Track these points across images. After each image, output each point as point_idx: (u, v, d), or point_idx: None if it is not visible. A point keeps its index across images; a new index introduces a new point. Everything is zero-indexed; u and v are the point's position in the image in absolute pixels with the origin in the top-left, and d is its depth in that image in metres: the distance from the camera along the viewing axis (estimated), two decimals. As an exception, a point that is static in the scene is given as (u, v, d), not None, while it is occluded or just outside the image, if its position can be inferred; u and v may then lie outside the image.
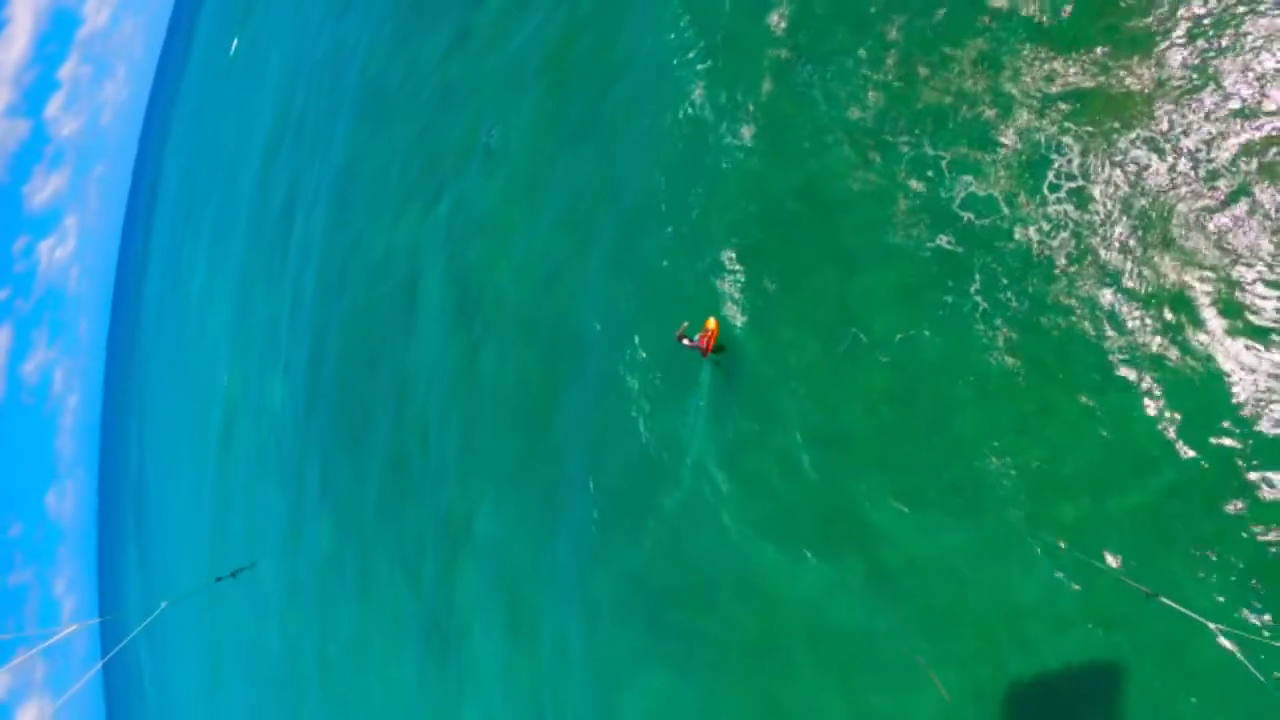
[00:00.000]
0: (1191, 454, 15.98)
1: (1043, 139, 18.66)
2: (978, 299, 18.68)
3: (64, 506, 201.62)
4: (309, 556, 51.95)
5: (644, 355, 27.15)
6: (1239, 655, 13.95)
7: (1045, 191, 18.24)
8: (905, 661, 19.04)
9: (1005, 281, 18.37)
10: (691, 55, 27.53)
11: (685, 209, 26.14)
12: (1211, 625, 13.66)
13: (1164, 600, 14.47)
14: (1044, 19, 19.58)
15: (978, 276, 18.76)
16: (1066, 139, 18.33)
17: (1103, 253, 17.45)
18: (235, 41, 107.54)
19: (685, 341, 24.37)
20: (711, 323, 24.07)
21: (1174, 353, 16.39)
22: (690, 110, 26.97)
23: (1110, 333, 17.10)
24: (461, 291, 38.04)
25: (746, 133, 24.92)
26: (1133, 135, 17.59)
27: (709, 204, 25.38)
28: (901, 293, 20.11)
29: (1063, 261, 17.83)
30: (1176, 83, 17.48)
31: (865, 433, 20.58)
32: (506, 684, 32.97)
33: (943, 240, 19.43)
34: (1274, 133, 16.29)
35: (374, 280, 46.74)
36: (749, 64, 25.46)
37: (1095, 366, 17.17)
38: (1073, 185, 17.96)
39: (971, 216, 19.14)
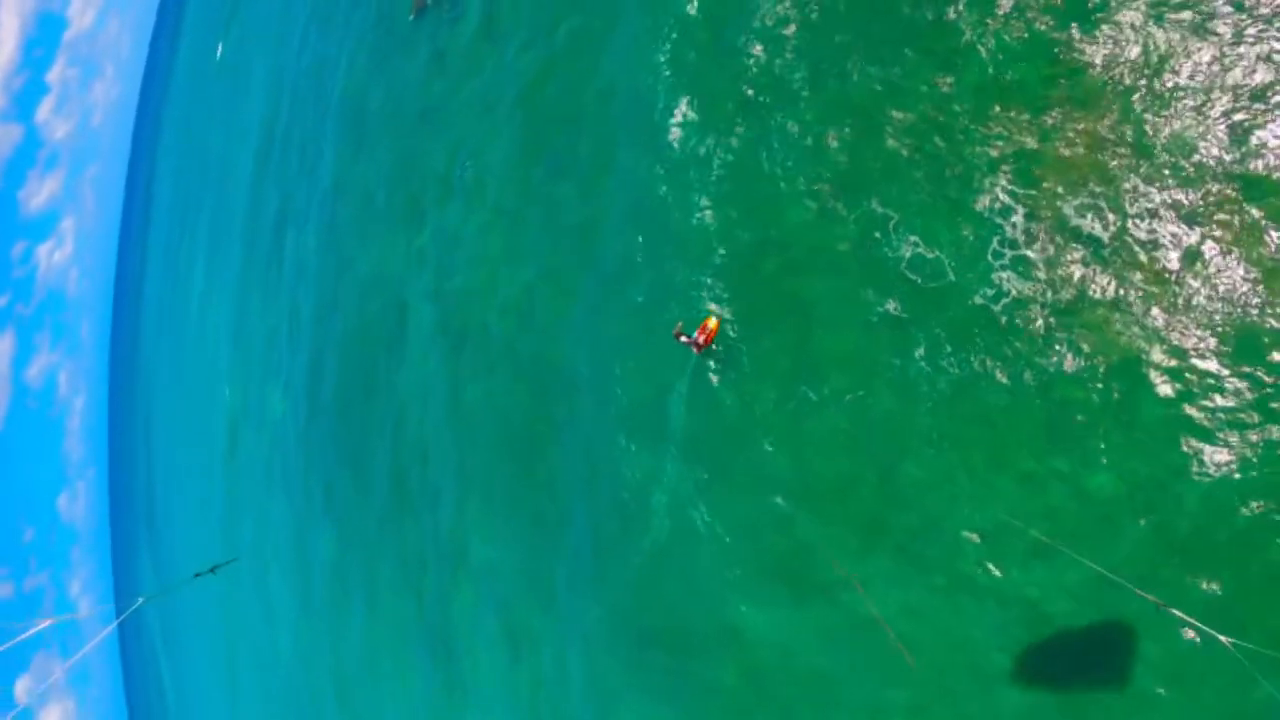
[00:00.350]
0: (1132, 519, 16.93)
1: (988, 203, 19.43)
2: (922, 363, 19.58)
3: (75, 509, 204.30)
4: (319, 566, 53.23)
5: (622, 395, 28.05)
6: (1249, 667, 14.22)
7: (989, 258, 19.02)
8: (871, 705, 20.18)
9: (949, 349, 19.31)
10: (664, 102, 28.07)
11: (658, 258, 27.10)
12: (1224, 639, 13.85)
13: (1175, 612, 14.74)
14: (994, 82, 20.20)
15: (923, 340, 19.65)
16: (1011, 202, 19.11)
17: (1043, 320, 18.31)
18: (220, 46, 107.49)
19: (683, 339, 25.05)
20: (712, 321, 24.80)
21: (1117, 420, 17.25)
22: (663, 156, 27.55)
23: (1053, 398, 17.96)
24: (447, 321, 38.97)
25: (715, 184, 25.68)
26: (1075, 202, 18.34)
27: (680, 255, 26.26)
28: (854, 353, 21.07)
29: (1005, 327, 18.67)
30: (1121, 148, 18.16)
31: (824, 484, 21.64)
32: (508, 700, 34.20)
33: (891, 305, 20.32)
34: (1216, 199, 16.96)
35: (364, 303, 47.65)
36: (717, 114, 26.16)
37: (1039, 431, 18.05)
38: (1015, 253, 18.75)
39: (919, 279, 19.97)
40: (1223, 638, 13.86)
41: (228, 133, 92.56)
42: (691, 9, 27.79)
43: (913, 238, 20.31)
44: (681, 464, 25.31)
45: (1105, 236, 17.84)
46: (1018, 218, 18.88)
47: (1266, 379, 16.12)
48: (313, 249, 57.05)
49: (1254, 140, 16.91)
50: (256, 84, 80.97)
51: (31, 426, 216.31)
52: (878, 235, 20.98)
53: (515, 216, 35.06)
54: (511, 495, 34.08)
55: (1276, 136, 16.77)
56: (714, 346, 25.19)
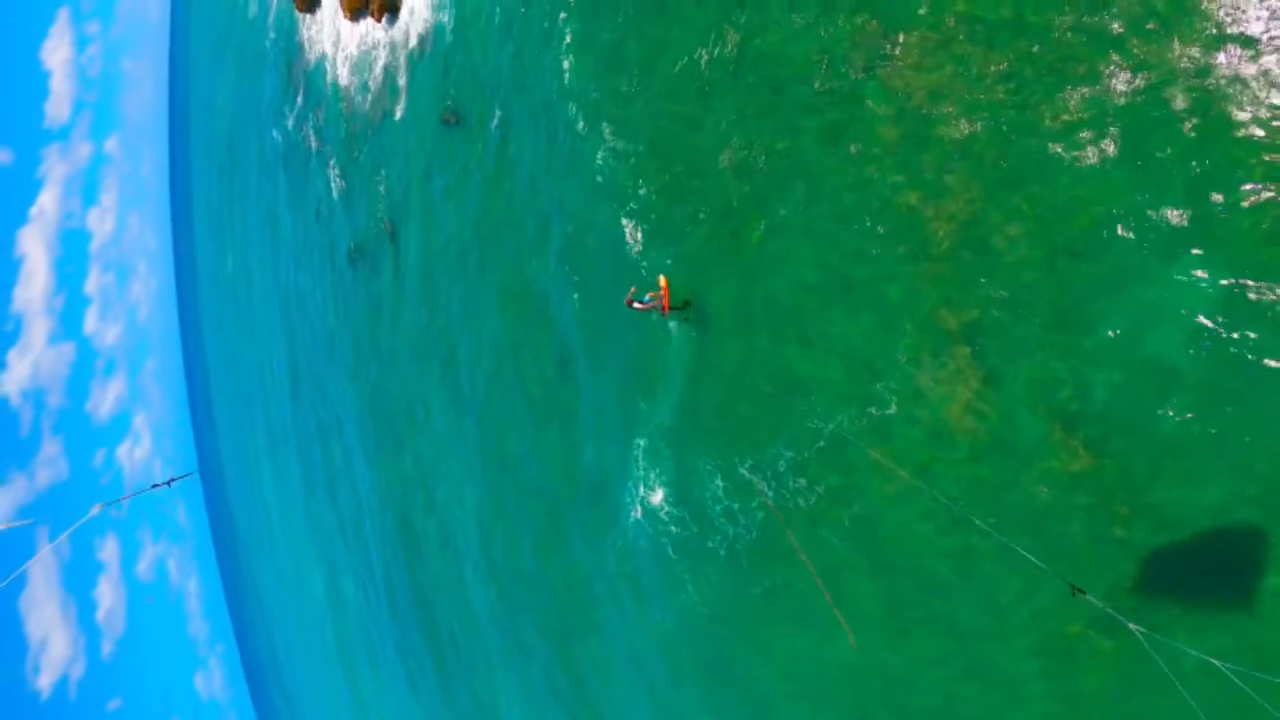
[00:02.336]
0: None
1: (697, 466, 28.90)
2: (694, 594, 29.14)
3: (213, 685, 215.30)
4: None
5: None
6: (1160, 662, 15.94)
7: (709, 510, 28.22)
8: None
9: (709, 580, 28.94)
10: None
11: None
12: (1132, 626, 15.00)
13: (1089, 598, 16.03)
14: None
15: (689, 577, 29.18)
16: (711, 467, 28.47)
17: (753, 555, 27.61)
18: (230, 259, 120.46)
19: (637, 305, 27.69)
20: (662, 280, 27.55)
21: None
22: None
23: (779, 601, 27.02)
24: (443, 533, 49.23)
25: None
26: (748, 463, 27.26)
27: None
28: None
29: (738, 563, 28.01)
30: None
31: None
32: None
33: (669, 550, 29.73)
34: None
35: (386, 512, 58.18)
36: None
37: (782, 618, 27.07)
38: (723, 505, 28.07)
39: (675, 530, 29.48)
40: (1132, 625, 15.04)
41: (253, 342, 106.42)
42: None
43: (671, 498, 29.78)
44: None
45: (769, 490, 26.81)
46: (719, 479, 28.16)
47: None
48: (346, 461, 67.97)
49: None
50: (268, 305, 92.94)
51: (154, 619, 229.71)
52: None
53: (462, 448, 45.33)
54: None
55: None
56: (685, 305, 28.42)
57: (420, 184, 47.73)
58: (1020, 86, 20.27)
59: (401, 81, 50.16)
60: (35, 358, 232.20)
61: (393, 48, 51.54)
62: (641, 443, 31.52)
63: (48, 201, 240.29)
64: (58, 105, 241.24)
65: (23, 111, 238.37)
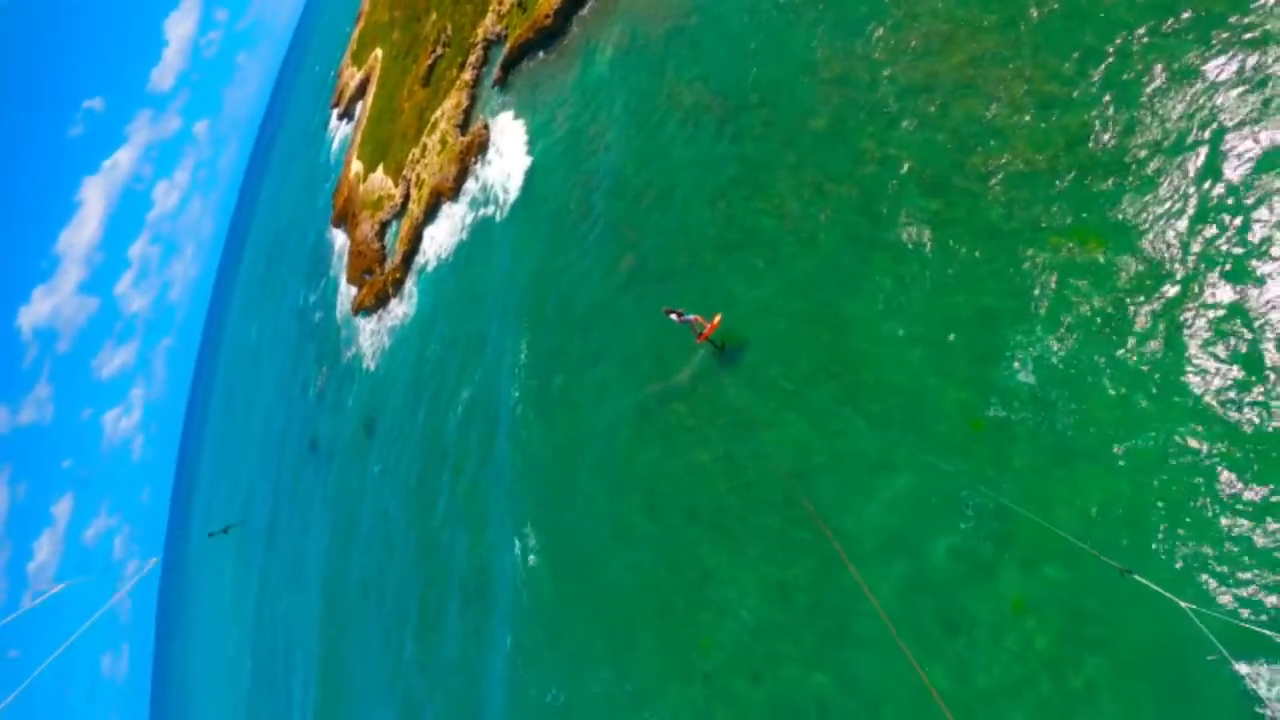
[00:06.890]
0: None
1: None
2: None
3: (118, 668, 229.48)
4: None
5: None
6: (1210, 636, 15.45)
7: None
8: None
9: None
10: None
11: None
12: (1183, 604, 15.25)
13: (1137, 577, 16.36)
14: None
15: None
16: None
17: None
18: (254, 333, 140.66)
19: (674, 316, 27.86)
20: (717, 318, 27.82)
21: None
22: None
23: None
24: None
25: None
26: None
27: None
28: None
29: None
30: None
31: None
32: None
33: None
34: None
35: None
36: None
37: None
38: None
39: None
40: (1183, 603, 15.24)
41: (252, 407, 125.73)
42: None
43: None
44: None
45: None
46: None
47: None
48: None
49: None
50: (272, 405, 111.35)
51: (81, 587, 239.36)
52: None
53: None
54: None
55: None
56: (716, 343, 28.65)
57: (344, 452, 70.62)
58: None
59: (351, 380, 73.69)
60: (59, 302, 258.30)
61: (357, 352, 74.20)
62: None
63: (123, 159, 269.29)
64: (164, 74, 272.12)
65: (129, 69, 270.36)
